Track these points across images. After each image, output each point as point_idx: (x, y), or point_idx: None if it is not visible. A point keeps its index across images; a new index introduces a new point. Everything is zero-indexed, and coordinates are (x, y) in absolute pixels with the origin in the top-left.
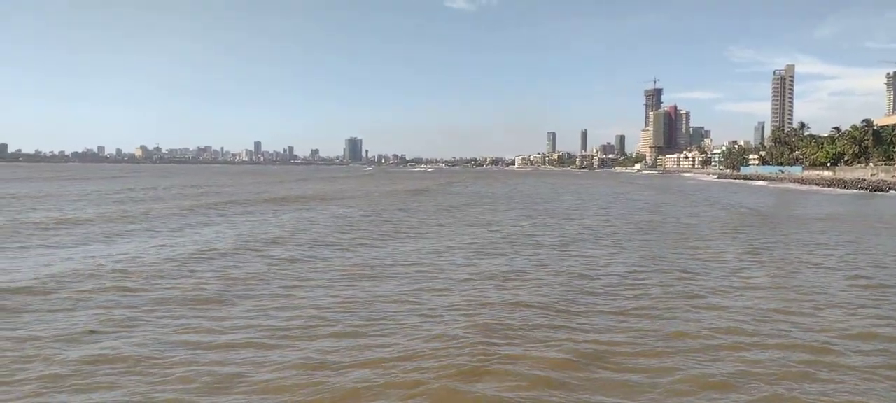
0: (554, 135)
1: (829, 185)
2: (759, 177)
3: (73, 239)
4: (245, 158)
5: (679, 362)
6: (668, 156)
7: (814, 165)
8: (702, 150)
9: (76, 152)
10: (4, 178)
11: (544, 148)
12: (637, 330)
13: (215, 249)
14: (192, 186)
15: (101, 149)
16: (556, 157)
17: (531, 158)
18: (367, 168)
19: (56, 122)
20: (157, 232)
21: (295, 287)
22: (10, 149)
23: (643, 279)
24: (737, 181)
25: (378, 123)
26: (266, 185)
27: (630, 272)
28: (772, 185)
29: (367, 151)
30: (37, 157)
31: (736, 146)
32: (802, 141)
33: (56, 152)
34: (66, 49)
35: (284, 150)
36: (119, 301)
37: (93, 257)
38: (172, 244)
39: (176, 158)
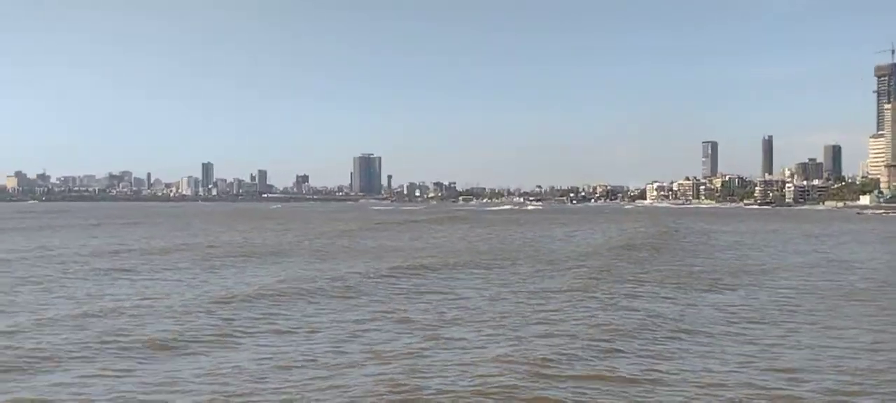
0: (714, 146)
1: None
2: None
3: None
4: (187, 190)
5: None
6: None
7: None
8: None
9: None
10: None
11: (698, 167)
12: None
13: None
14: None
15: None
16: (718, 184)
17: (674, 187)
18: (416, 207)
19: None
20: None
21: None
22: None
23: None
24: None
25: (402, 137)
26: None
27: None
28: None
29: (389, 177)
30: None
31: None
32: None
33: None
34: None
35: (253, 177)
36: None
37: None
38: None
39: (75, 192)
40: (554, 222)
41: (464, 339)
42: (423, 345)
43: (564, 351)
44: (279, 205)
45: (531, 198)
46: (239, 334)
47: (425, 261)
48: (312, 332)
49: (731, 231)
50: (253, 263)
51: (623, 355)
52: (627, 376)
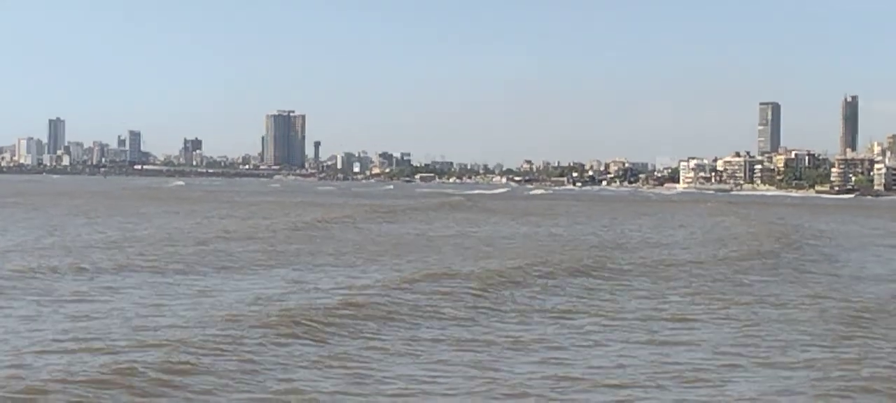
0: (775, 110)
1: None
2: None
3: None
4: (26, 158)
5: None
6: None
7: None
8: None
9: None
10: None
11: (753, 139)
12: None
13: None
14: None
15: None
16: (780, 163)
17: (718, 166)
18: (379, 187)
19: None
20: None
21: None
22: None
23: None
24: None
25: (331, 88)
26: None
27: None
28: None
29: (317, 145)
30: None
31: None
32: None
33: None
34: None
35: (122, 141)
36: None
37: None
38: None
39: None
40: (600, 215)
41: None
42: None
43: None
44: (182, 182)
45: (518, 178)
46: None
47: None
48: None
49: None
50: None
51: None
52: None
